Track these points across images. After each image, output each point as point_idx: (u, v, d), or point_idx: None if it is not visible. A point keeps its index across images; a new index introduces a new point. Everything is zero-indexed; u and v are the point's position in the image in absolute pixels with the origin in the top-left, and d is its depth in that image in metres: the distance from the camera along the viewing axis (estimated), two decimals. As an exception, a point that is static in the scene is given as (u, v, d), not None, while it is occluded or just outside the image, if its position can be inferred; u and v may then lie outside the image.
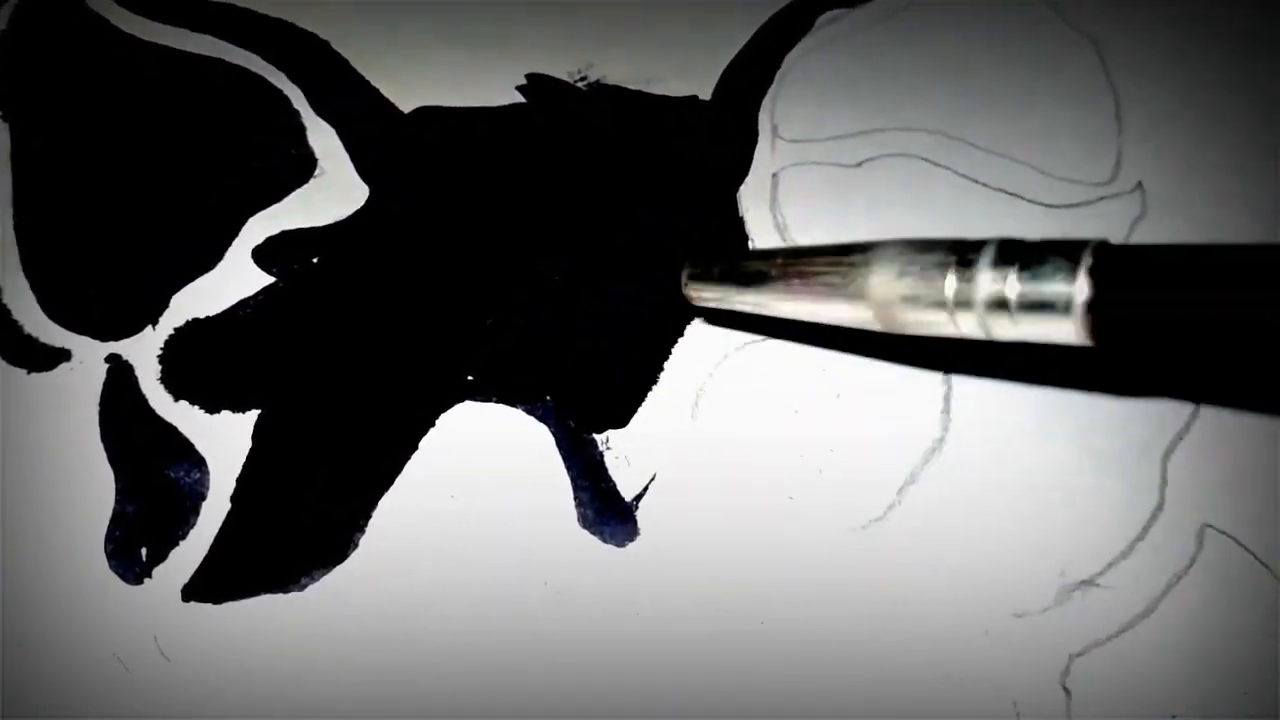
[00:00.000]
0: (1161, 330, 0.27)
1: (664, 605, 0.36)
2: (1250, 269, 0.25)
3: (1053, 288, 0.27)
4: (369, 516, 0.36)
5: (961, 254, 0.28)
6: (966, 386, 0.38)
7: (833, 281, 0.30)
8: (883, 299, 0.29)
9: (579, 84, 0.41)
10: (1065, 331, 0.27)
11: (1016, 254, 0.28)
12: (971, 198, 0.40)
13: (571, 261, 0.39)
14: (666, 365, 0.38)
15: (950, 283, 0.28)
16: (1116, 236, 0.39)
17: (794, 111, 0.41)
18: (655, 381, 0.38)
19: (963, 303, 0.28)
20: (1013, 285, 0.27)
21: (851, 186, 0.40)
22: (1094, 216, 0.40)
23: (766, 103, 0.41)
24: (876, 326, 0.30)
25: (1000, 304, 0.28)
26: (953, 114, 0.41)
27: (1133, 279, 0.26)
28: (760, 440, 0.37)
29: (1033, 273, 0.27)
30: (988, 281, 0.27)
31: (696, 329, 0.38)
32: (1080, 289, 0.26)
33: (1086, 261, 0.27)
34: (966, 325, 0.29)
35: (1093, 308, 0.26)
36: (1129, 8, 0.42)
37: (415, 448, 0.37)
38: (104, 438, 0.37)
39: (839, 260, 0.31)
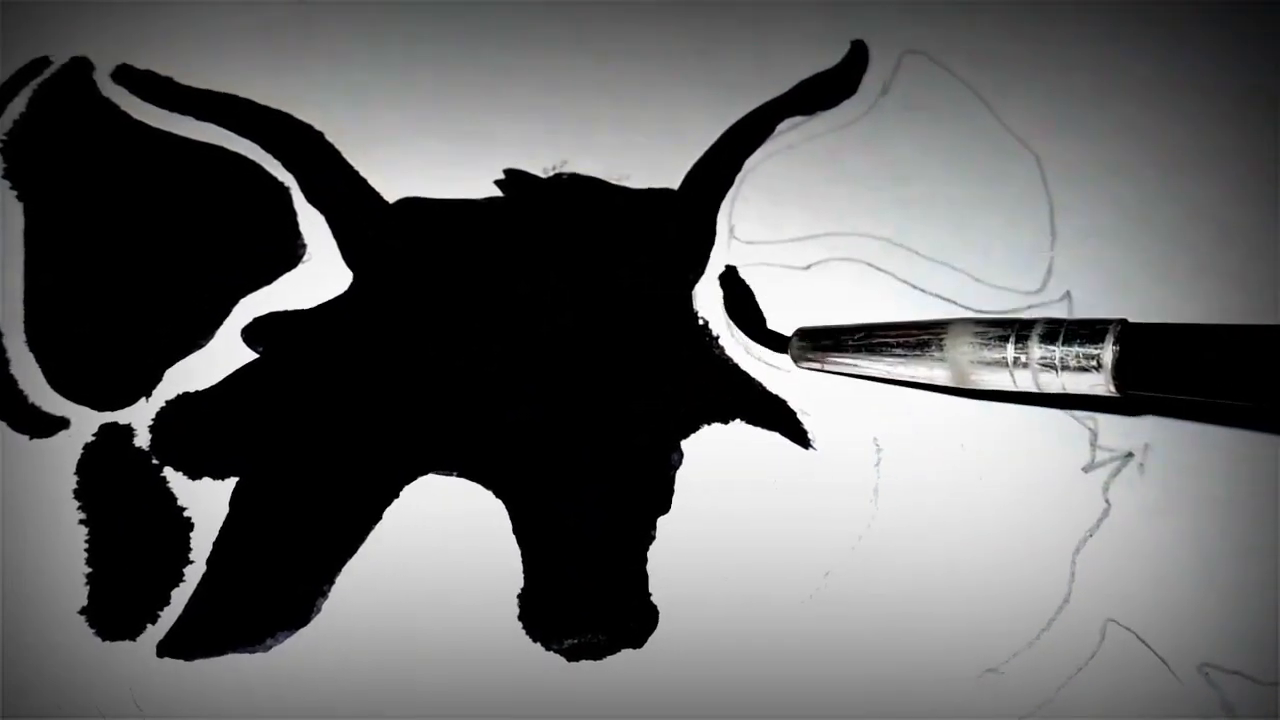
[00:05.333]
0: (1168, 385, 0.36)
1: (611, 674, 0.38)
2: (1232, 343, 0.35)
3: (1089, 352, 0.36)
4: (332, 582, 0.39)
5: (1017, 329, 0.37)
6: (894, 479, 0.40)
7: (917, 351, 0.39)
8: (958, 364, 0.38)
9: (556, 177, 0.43)
10: (1098, 384, 0.36)
11: (1059, 329, 0.37)
12: (909, 302, 0.43)
13: (545, 361, 0.42)
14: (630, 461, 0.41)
15: (1010, 350, 0.37)
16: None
17: (750, 213, 0.44)
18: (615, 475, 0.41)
19: (1021, 364, 0.37)
20: (1059, 352, 0.36)
21: (798, 288, 0.43)
22: (1022, 323, 0.42)
23: (725, 204, 0.44)
24: (949, 383, 0.39)
25: (1049, 365, 0.36)
26: (898, 221, 0.44)
27: (1148, 346, 0.36)
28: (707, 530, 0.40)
29: (1074, 342, 0.36)
30: (1038, 350, 0.37)
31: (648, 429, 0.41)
32: (1108, 353, 0.36)
33: (1114, 332, 0.36)
34: (1022, 380, 0.37)
35: (1118, 366, 0.36)
36: (1070, 120, 0.45)
37: (379, 517, 0.40)
38: (96, 500, 0.39)
39: (923, 333, 0.39)
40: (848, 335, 0.40)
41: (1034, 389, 0.37)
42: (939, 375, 0.39)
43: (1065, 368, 0.36)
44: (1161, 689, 0.38)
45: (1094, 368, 0.36)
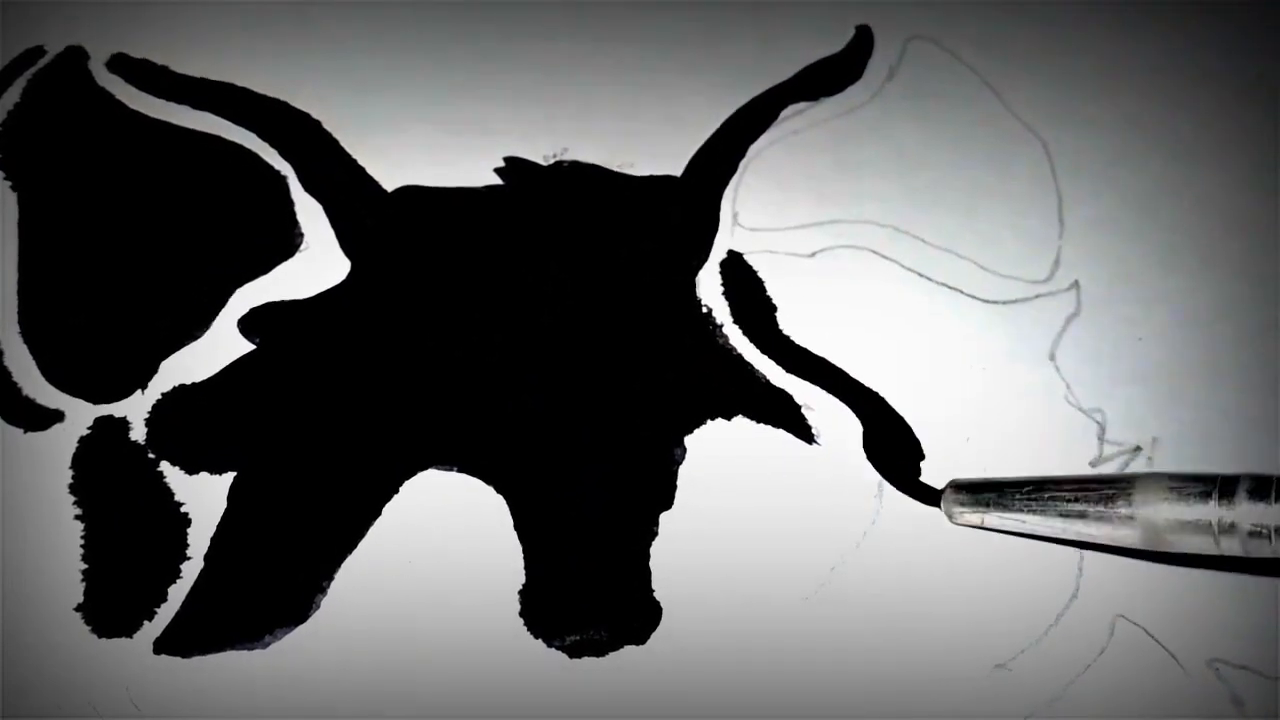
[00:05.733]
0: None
1: (614, 671, 0.38)
2: None
3: None
4: (331, 578, 0.39)
5: (1220, 484, 0.34)
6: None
7: (1100, 507, 0.35)
8: (1151, 524, 0.35)
9: (556, 165, 0.43)
10: None
11: (1269, 488, 0.33)
12: (915, 291, 0.42)
13: (544, 351, 0.41)
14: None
15: (1215, 509, 0.34)
16: (1051, 333, 0.42)
17: (754, 200, 0.43)
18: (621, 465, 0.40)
19: (1226, 528, 0.34)
20: (1274, 512, 0.33)
21: (802, 276, 0.42)
22: (1030, 313, 0.42)
23: (729, 191, 0.43)
24: (1139, 545, 0.35)
25: (1261, 532, 0.33)
26: (904, 208, 0.43)
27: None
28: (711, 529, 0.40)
29: None
30: (1248, 511, 0.33)
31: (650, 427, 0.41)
32: None
33: None
34: (1228, 546, 0.34)
35: None
36: (1078, 108, 0.44)
37: (379, 513, 0.39)
38: (92, 495, 0.39)
39: (1106, 487, 0.36)
40: (1014, 489, 0.37)
41: (1240, 554, 0.34)
42: (1125, 536, 0.35)
43: None
44: (1170, 684, 0.38)
45: None
